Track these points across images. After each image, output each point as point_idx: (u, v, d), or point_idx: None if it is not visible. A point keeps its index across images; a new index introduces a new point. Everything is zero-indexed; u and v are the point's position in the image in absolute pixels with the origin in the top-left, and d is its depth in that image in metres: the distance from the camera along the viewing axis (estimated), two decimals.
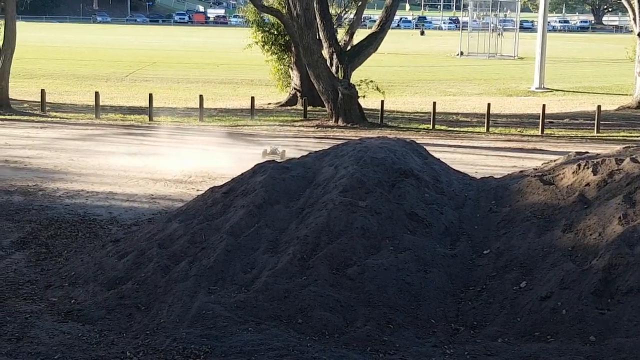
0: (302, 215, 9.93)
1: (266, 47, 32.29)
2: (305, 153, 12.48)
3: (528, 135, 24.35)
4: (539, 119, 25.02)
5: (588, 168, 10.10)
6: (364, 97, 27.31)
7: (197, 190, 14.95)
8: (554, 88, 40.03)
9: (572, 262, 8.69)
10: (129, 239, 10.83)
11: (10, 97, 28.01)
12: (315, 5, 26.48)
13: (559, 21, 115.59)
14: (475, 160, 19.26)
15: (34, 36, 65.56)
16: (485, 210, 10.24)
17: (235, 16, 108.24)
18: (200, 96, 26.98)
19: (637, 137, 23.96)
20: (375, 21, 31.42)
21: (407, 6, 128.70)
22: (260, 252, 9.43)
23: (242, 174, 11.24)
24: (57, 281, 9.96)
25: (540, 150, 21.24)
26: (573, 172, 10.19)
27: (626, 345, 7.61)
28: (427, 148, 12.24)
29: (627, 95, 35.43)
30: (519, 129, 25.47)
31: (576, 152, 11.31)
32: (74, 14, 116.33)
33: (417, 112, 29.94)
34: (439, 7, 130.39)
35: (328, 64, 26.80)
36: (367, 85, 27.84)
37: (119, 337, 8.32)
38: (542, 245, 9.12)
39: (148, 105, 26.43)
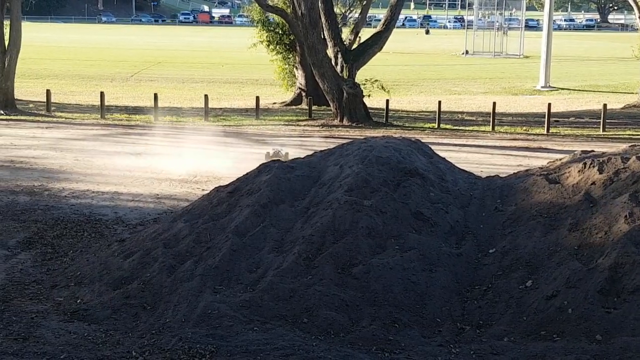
0: (307, 215, 9.93)
1: (271, 46, 32.30)
2: (310, 152, 12.47)
3: (534, 134, 24.31)
4: (544, 117, 25.01)
5: (594, 167, 10.08)
6: (369, 96, 27.30)
7: (203, 189, 14.96)
8: (560, 87, 39.96)
9: (578, 260, 8.68)
10: (134, 238, 10.84)
11: (15, 97, 28.02)
12: (320, 4, 26.49)
13: (565, 19, 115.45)
14: (480, 159, 19.23)
15: (39, 36, 65.70)
16: (490, 209, 10.22)
17: (240, 16, 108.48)
18: (205, 96, 26.99)
19: None
20: (380, 20, 31.38)
21: (412, 5, 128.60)
22: (266, 252, 9.43)
23: (247, 174, 11.24)
24: (63, 281, 9.98)
25: (546, 149, 21.21)
26: (579, 171, 10.17)
27: (632, 344, 7.58)
28: (433, 147, 12.24)
29: (633, 93, 35.37)
30: (524, 128, 25.43)
31: (582, 151, 11.29)
32: (79, 14, 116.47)
33: (423, 111, 29.93)
34: (444, 5, 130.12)
35: (333, 63, 26.80)
36: (372, 85, 27.82)
37: (125, 336, 8.34)
38: (548, 244, 9.10)
39: (153, 105, 26.46)
